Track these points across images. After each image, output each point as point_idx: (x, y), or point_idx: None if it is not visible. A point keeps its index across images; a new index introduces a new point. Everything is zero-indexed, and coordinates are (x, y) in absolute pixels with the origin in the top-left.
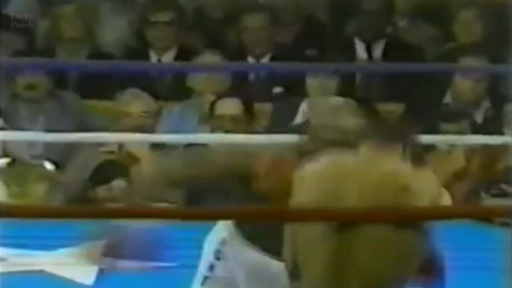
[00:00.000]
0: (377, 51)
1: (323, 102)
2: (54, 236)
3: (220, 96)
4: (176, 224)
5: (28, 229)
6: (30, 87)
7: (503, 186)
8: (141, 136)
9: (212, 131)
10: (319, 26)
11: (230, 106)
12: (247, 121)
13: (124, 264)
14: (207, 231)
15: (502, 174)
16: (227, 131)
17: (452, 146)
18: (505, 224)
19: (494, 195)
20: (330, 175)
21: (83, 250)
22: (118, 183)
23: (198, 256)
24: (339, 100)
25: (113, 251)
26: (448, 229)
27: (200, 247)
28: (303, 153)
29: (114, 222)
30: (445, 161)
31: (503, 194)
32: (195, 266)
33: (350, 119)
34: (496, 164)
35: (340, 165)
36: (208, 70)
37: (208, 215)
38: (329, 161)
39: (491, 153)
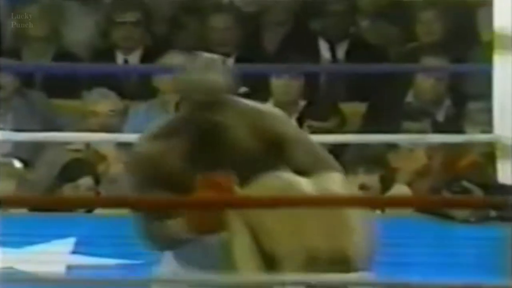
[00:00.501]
0: (341, 51)
1: (193, 60)
2: (23, 233)
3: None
4: None
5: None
6: None
7: (465, 183)
8: (108, 136)
9: None
10: (284, 26)
11: None
12: None
13: (92, 261)
14: None
15: (464, 172)
16: None
17: (414, 144)
18: (466, 221)
19: (455, 192)
20: None
21: (52, 247)
22: (85, 181)
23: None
24: (208, 57)
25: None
26: (407, 225)
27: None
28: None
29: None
30: (407, 159)
31: (464, 191)
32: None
33: (219, 77)
34: (458, 162)
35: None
36: (174, 71)
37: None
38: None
39: (453, 151)
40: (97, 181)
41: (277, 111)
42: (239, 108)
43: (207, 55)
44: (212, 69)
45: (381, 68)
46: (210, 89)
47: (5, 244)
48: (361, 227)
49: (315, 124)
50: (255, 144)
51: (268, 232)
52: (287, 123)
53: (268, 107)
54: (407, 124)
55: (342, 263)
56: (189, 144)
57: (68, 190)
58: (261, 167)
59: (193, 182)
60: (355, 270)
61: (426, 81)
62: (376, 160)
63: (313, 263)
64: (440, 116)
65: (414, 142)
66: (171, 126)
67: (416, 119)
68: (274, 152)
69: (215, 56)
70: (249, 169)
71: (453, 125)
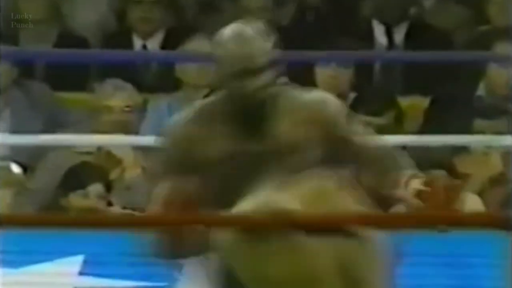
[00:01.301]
0: (399, 35)
1: (227, 30)
2: (25, 250)
3: (214, 89)
4: None
5: None
6: None
7: None
8: (123, 137)
9: None
10: (331, 6)
11: None
12: None
13: (103, 283)
14: None
15: None
16: None
17: (488, 147)
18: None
19: None
20: None
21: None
22: (95, 188)
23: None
24: (244, 26)
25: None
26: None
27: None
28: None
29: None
30: (479, 164)
31: None
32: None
33: (256, 43)
34: None
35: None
36: (201, 59)
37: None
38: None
39: None
40: (108, 188)
41: (339, 104)
42: (291, 95)
43: (242, 22)
44: (250, 36)
45: (446, 56)
46: (249, 56)
47: (2, 263)
48: None
49: (367, 119)
50: (307, 136)
51: None
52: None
53: (329, 96)
54: (478, 123)
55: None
56: (230, 127)
57: (75, 199)
58: (309, 164)
59: (234, 172)
60: None
61: (500, 71)
62: (441, 165)
63: None
64: None
65: (487, 144)
66: (209, 109)
67: (489, 116)
68: (331, 152)
69: (252, 22)
70: (295, 165)
71: None
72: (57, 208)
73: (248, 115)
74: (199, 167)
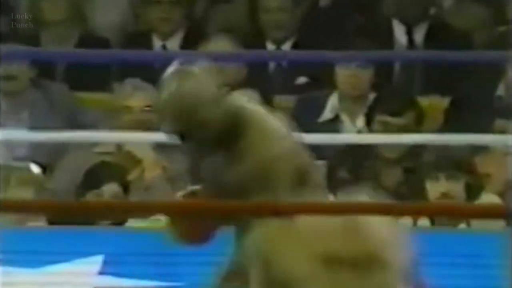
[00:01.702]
0: (419, 35)
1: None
2: (45, 251)
3: (234, 88)
4: None
5: (12, 243)
6: (10, 77)
7: None
8: (144, 136)
9: None
10: (351, 6)
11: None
12: None
13: (123, 283)
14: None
15: None
16: None
17: (508, 146)
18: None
19: None
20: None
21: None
22: (110, 188)
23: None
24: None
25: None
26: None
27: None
28: None
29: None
30: (500, 164)
31: None
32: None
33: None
34: None
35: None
36: (220, 58)
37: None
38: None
39: None
40: (126, 188)
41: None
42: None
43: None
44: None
45: (466, 56)
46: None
47: (21, 263)
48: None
49: (388, 119)
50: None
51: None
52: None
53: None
54: (498, 123)
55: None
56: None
57: (91, 198)
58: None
59: None
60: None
61: None
62: (461, 164)
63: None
64: None
65: (508, 144)
66: None
67: (510, 116)
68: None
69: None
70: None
71: None
72: None
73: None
74: None
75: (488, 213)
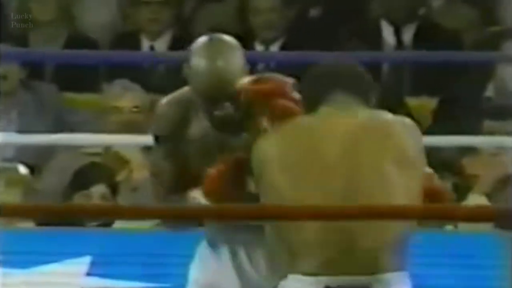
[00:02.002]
0: (407, 36)
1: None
2: (33, 251)
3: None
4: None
5: (3, 244)
6: (0, 77)
7: None
8: (132, 137)
9: None
10: (339, 7)
11: None
12: None
13: (111, 284)
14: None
15: None
16: None
17: (497, 148)
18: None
19: None
20: (304, 130)
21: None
22: (98, 189)
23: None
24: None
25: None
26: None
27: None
28: None
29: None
30: (488, 165)
31: None
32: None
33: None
34: None
35: (308, 122)
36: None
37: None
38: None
39: None
40: (114, 189)
41: None
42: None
43: (217, 37)
44: (223, 56)
45: (455, 57)
46: (222, 81)
47: (9, 263)
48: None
49: None
50: None
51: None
52: None
53: None
54: (487, 124)
55: None
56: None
57: (79, 199)
58: None
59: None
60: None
61: (509, 72)
62: (449, 165)
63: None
64: None
65: (496, 145)
66: (188, 96)
67: (498, 117)
68: None
69: (226, 38)
70: None
71: None
72: None
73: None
74: (180, 145)
75: (479, 216)
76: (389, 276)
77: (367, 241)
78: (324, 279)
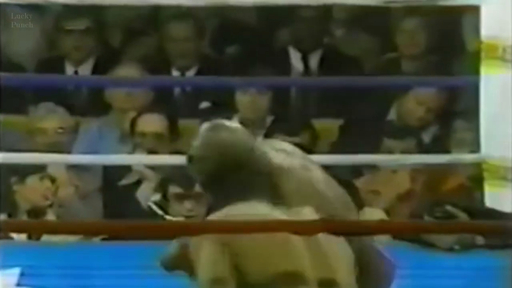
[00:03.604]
0: (314, 62)
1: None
2: None
3: (141, 112)
4: None
5: None
6: None
7: (449, 207)
8: (57, 156)
9: (134, 149)
10: (249, 37)
11: (153, 123)
12: (171, 139)
13: None
14: None
15: (449, 195)
16: (150, 150)
17: (397, 165)
18: (450, 249)
19: (438, 218)
20: None
21: None
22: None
23: None
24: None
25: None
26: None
27: None
28: None
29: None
30: (389, 182)
31: (448, 217)
32: None
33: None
34: (443, 185)
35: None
36: (128, 83)
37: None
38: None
39: (437, 173)
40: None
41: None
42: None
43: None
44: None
45: (357, 81)
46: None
47: None
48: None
49: (285, 138)
50: None
51: (247, 254)
52: None
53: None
54: (387, 143)
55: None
56: None
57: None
58: None
59: None
60: None
61: (409, 96)
62: (341, 183)
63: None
64: (426, 136)
65: (397, 163)
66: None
67: (399, 137)
68: None
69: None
70: None
71: (439, 145)
72: None
73: None
74: None
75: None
76: None
77: None
78: None
